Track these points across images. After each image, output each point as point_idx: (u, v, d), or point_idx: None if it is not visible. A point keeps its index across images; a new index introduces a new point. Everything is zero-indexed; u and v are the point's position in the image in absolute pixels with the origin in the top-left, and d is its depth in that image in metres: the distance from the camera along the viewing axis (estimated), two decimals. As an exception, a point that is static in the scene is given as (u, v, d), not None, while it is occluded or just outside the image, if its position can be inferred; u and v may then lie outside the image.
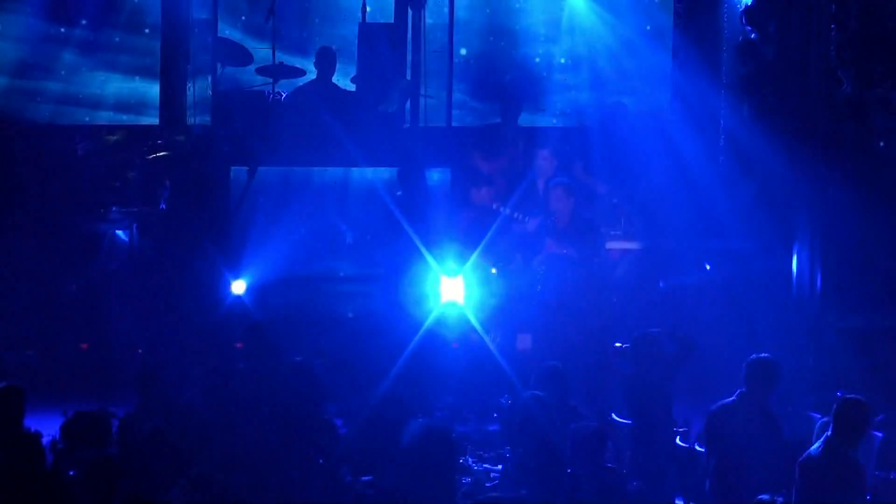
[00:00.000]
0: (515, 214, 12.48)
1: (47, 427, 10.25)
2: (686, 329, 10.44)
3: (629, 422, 10.01)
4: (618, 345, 11.25)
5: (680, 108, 15.13)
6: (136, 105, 14.92)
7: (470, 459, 10.16)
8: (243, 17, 15.19)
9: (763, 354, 9.32)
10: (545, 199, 12.41)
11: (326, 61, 13.96)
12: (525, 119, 15.49)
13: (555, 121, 15.47)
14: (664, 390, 9.72)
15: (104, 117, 14.85)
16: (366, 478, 8.13)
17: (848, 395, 8.63)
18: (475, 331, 12.05)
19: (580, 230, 12.29)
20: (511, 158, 13.88)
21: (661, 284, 13.45)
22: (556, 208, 12.26)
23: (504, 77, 15.63)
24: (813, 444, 8.74)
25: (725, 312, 13.18)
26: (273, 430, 8.67)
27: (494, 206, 12.33)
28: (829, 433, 8.39)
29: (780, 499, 7.75)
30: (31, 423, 8.90)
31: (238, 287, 12.74)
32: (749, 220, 13.75)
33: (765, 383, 9.13)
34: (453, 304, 12.14)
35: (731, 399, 9.15)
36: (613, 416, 10.47)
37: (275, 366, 9.60)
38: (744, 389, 9.11)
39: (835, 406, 8.49)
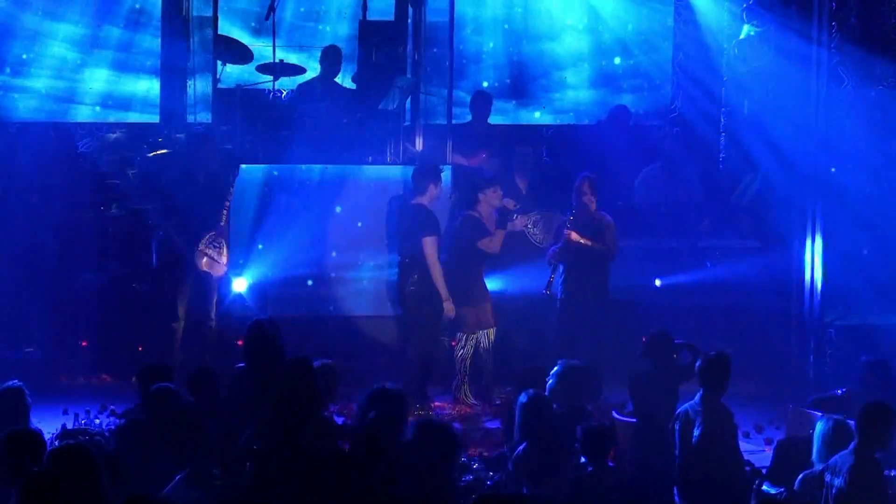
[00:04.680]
0: (515, 214, 12.48)
1: (47, 425, 10.29)
2: (702, 341, 10.33)
3: (632, 420, 10.00)
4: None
5: (680, 106, 15.14)
6: (136, 103, 14.92)
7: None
8: (244, 15, 15.18)
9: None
10: (573, 193, 12.39)
11: (332, 60, 13.96)
12: (525, 117, 15.51)
13: (537, 116, 15.51)
14: (672, 391, 9.68)
15: (105, 115, 14.85)
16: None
17: (871, 402, 8.48)
18: None
19: (601, 226, 12.29)
20: (488, 156, 13.91)
21: (659, 283, 13.46)
22: (581, 202, 12.27)
23: (504, 75, 15.63)
24: (814, 445, 8.73)
25: (725, 312, 13.18)
26: (273, 428, 8.65)
27: (504, 203, 12.32)
28: (856, 440, 8.28)
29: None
30: (32, 420, 8.89)
31: (239, 285, 12.74)
32: (750, 218, 13.75)
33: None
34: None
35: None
36: (614, 414, 10.47)
37: (275, 364, 9.57)
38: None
39: (859, 413, 8.32)
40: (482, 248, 12.15)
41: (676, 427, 9.15)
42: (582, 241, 12.18)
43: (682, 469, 9.11)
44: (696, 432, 9.02)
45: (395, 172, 13.17)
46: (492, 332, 12.32)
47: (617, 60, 15.50)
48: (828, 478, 8.21)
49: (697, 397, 9.14)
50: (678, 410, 9.22)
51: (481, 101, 14.23)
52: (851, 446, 8.19)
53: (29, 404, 8.67)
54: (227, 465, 8.29)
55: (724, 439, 9.09)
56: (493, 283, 12.59)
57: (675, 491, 9.11)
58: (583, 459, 8.64)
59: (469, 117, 14.29)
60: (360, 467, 8.27)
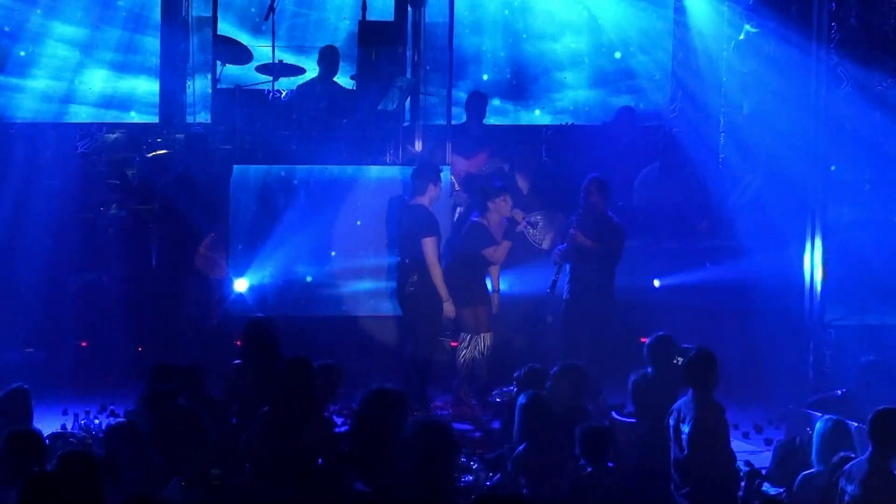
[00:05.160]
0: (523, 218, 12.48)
1: (47, 425, 10.29)
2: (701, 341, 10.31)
3: (632, 420, 10.00)
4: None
5: (680, 107, 15.13)
6: (135, 103, 14.92)
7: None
8: (243, 15, 15.18)
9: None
10: (581, 193, 12.39)
11: (329, 60, 13.96)
12: (524, 117, 15.51)
13: (537, 113, 15.52)
14: (673, 396, 9.69)
15: (104, 115, 14.84)
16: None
17: (881, 408, 8.45)
18: None
19: (607, 228, 12.28)
20: (489, 156, 13.91)
21: (657, 284, 13.46)
22: (588, 203, 12.27)
23: (504, 75, 15.63)
24: (814, 445, 8.73)
25: (725, 312, 13.17)
26: (273, 428, 8.65)
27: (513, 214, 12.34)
28: (870, 449, 8.19)
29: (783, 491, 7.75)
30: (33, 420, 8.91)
31: (240, 285, 12.73)
32: (750, 218, 13.73)
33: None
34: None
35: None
36: (613, 414, 10.47)
37: (273, 363, 9.56)
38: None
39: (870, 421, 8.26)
40: (487, 256, 12.19)
41: (671, 423, 9.16)
42: (588, 243, 12.18)
43: (675, 464, 9.12)
44: (686, 428, 9.03)
45: (394, 173, 13.17)
46: (488, 335, 12.32)
47: (617, 57, 15.49)
48: (842, 483, 8.21)
49: (689, 394, 9.14)
50: (672, 407, 9.23)
51: (476, 102, 14.24)
52: (867, 454, 8.17)
53: (32, 407, 8.71)
54: (226, 465, 8.30)
55: (714, 434, 9.08)
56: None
57: (672, 487, 9.13)
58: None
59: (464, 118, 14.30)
60: (359, 467, 8.28)
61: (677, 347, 9.94)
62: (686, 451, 9.00)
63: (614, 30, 15.35)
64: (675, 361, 9.85)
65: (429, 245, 11.98)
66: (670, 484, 9.13)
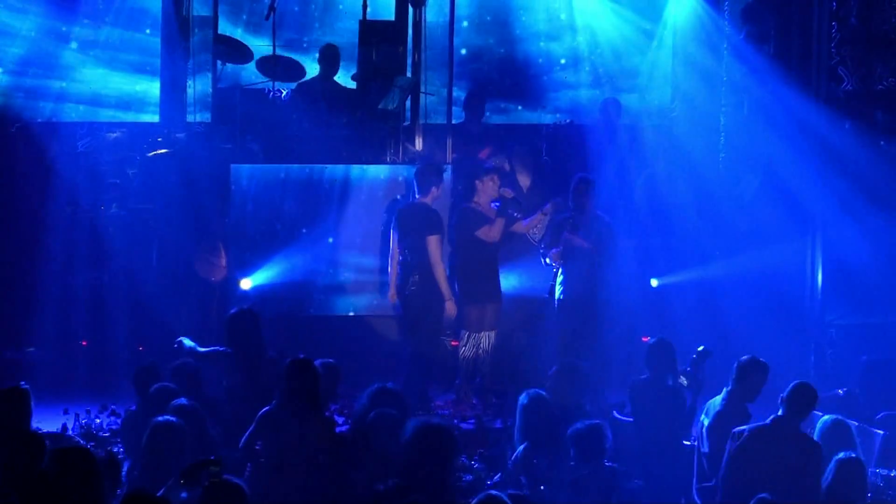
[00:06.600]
0: (514, 213, 12.44)
1: (47, 425, 10.31)
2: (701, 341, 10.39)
3: (630, 419, 10.02)
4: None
5: (680, 106, 15.12)
6: (136, 102, 14.92)
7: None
8: (244, 15, 15.18)
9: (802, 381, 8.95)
10: (571, 193, 12.40)
11: (330, 58, 13.96)
12: (524, 116, 15.50)
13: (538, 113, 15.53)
14: (669, 399, 9.72)
15: (105, 115, 14.84)
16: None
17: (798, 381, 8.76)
18: None
19: (598, 227, 12.29)
20: (487, 156, 13.91)
21: (655, 284, 13.47)
22: (578, 203, 12.27)
23: (504, 74, 15.63)
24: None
25: (725, 312, 13.17)
26: (274, 427, 8.66)
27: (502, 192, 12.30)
28: (781, 412, 8.61)
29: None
30: (33, 420, 8.91)
31: (243, 284, 12.73)
32: (749, 218, 13.74)
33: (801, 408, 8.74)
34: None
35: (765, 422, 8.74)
36: (615, 413, 10.47)
37: (256, 358, 9.50)
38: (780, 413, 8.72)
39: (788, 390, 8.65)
40: (481, 237, 12.12)
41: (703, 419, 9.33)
42: (584, 245, 12.18)
43: (699, 460, 9.22)
44: (706, 420, 9.11)
45: (394, 172, 13.17)
46: (493, 334, 12.31)
47: (616, 60, 15.49)
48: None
49: (724, 392, 9.24)
50: (706, 404, 9.33)
51: (474, 101, 14.23)
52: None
53: (32, 407, 8.70)
54: (225, 462, 8.30)
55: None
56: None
57: (695, 482, 9.22)
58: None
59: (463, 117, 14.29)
60: (360, 467, 8.29)
61: (690, 366, 9.99)
62: (707, 444, 9.11)
63: (614, 29, 15.34)
64: (680, 381, 9.90)
65: (432, 243, 11.94)
66: (669, 486, 9.18)
